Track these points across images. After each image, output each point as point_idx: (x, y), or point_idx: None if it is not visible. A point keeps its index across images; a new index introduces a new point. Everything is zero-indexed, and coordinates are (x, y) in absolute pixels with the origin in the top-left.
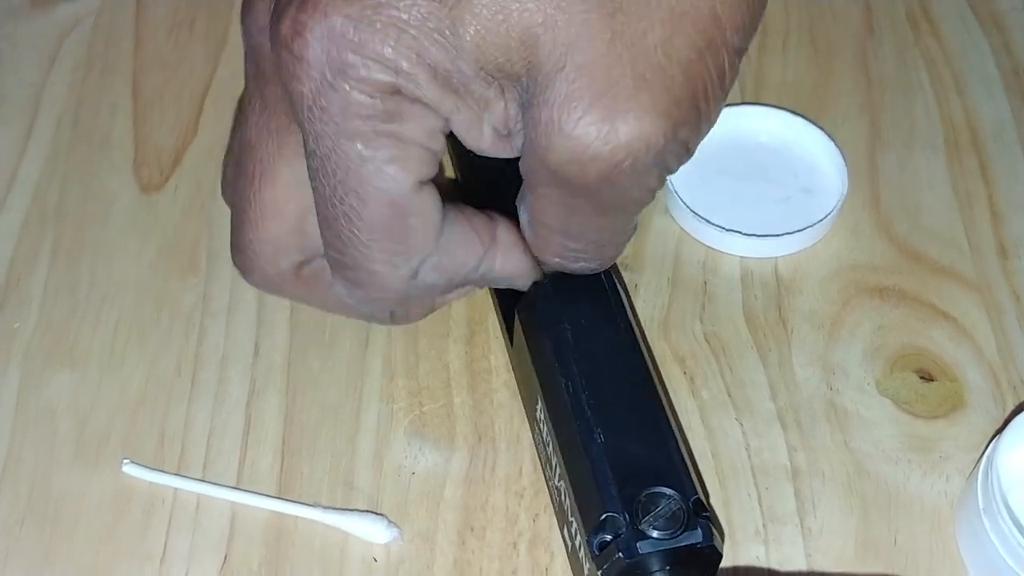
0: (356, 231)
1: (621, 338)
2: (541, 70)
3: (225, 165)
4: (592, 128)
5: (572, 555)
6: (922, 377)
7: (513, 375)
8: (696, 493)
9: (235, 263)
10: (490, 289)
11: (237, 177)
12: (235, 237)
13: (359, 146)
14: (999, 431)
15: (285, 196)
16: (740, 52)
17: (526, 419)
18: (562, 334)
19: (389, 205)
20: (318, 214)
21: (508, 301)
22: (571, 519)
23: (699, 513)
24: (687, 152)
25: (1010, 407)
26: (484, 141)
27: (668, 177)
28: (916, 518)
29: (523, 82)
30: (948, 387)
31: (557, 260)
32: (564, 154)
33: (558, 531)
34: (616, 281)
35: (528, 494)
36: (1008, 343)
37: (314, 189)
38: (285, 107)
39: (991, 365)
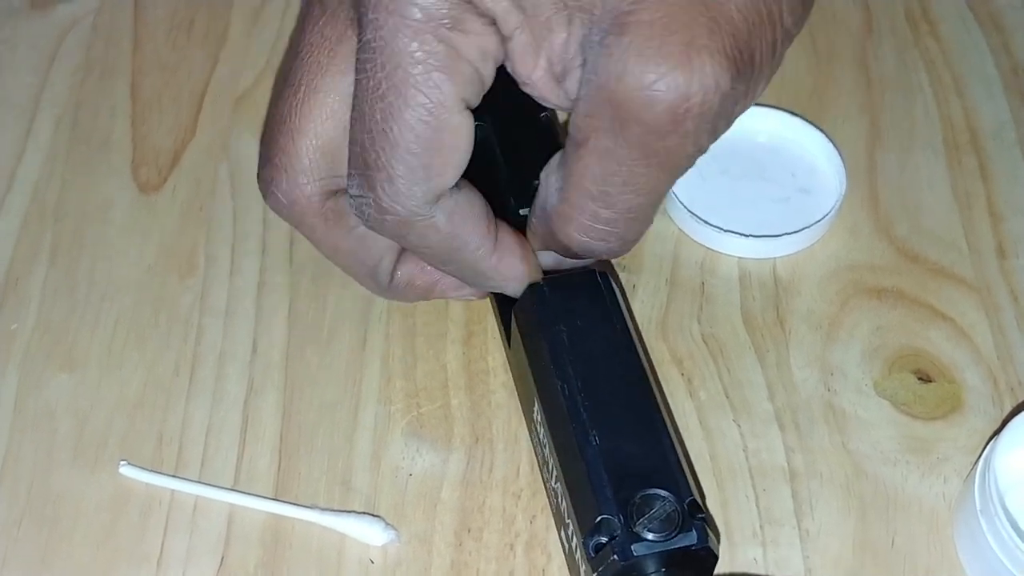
0: (388, 131)
1: (617, 339)
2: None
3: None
4: (669, 59)
5: (569, 556)
6: (920, 378)
7: (511, 376)
8: (691, 494)
9: (259, 179)
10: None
11: (282, 87)
12: (265, 149)
13: (415, 45)
14: (996, 433)
15: (326, 111)
16: (788, 35)
17: (524, 420)
18: (558, 336)
19: (428, 113)
20: (354, 109)
21: (506, 302)
22: (568, 521)
23: (694, 515)
24: (733, 114)
25: (1008, 408)
26: (536, 72)
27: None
28: (914, 520)
29: (595, 16)
30: (946, 388)
31: (581, 238)
32: (636, 84)
33: (555, 532)
34: (612, 282)
35: (525, 495)
36: (1007, 344)
37: (357, 82)
38: (346, 12)
39: (989, 366)
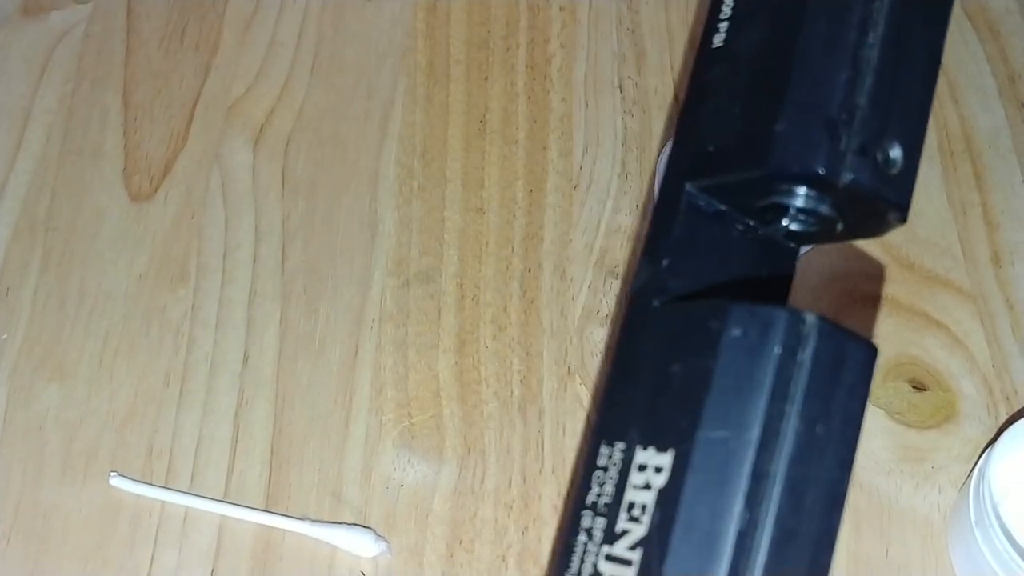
0: None
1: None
2: None
3: None
4: None
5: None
6: (915, 387)
7: (503, 384)
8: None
9: None
10: None
11: None
12: None
13: None
14: (991, 442)
15: None
16: None
17: (516, 431)
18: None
19: None
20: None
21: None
22: None
23: None
24: None
25: (1003, 417)
26: None
27: (656, 186)
28: (908, 530)
29: None
30: (941, 397)
31: None
32: None
33: (547, 545)
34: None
35: (517, 506)
36: (1001, 352)
37: None
38: None
39: (984, 375)
